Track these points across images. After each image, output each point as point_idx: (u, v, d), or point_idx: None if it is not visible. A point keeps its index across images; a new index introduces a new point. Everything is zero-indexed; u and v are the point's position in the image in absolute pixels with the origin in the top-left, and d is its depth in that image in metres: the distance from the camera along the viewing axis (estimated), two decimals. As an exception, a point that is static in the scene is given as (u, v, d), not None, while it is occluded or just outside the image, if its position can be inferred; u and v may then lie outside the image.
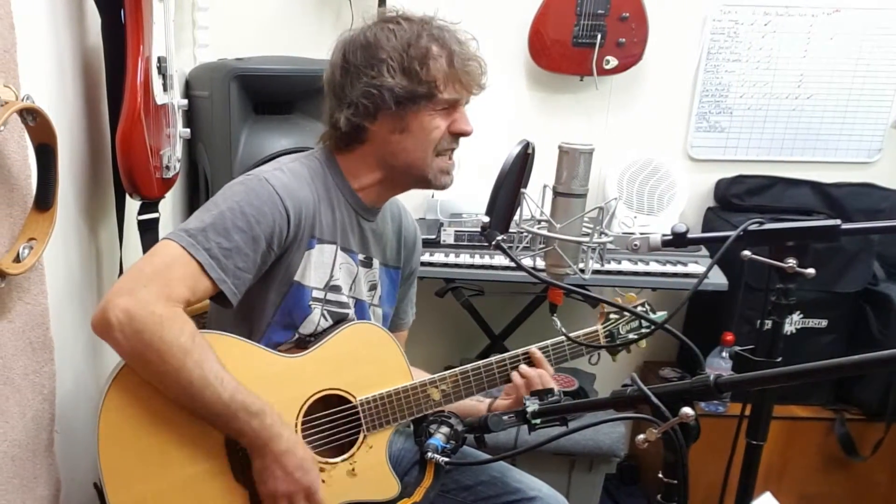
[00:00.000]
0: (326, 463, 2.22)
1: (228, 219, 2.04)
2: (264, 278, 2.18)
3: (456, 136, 2.27)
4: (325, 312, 2.28)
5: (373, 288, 2.45)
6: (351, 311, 2.35)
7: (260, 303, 2.21)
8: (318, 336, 2.27)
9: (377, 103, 2.16)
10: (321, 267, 2.25)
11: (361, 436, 2.24)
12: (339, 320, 2.31)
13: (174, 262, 1.98)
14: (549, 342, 2.38)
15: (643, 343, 2.43)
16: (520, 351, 2.38)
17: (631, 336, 2.42)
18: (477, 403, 2.47)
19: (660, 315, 2.42)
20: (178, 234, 2.02)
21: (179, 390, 1.93)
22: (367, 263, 2.41)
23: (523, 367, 2.34)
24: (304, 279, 2.22)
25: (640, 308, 2.41)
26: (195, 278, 1.99)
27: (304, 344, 2.26)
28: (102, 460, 1.97)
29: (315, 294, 2.25)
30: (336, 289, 2.30)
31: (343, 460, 2.24)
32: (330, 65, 2.27)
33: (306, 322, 2.25)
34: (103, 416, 1.97)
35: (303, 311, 2.24)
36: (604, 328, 2.41)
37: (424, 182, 2.31)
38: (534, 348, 2.37)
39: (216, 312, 2.32)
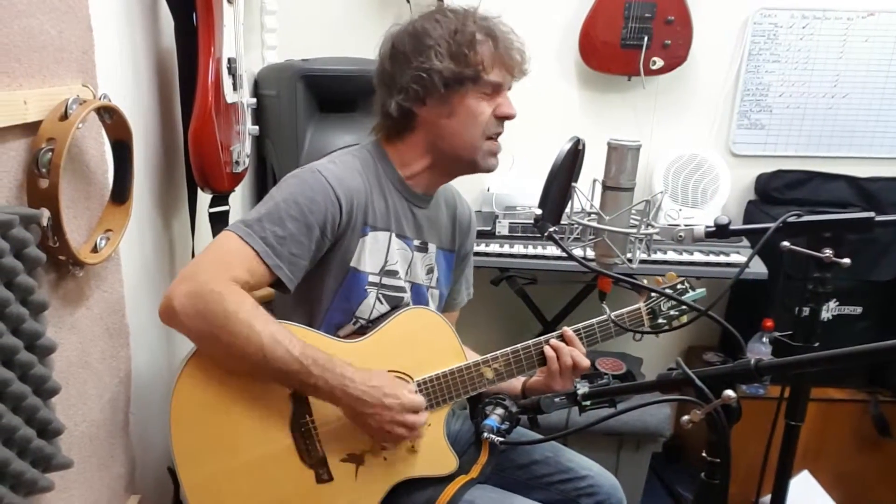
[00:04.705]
0: (388, 440, 2.22)
1: (283, 209, 2.04)
2: (322, 266, 2.18)
3: (501, 119, 2.24)
4: (381, 296, 2.27)
5: (430, 271, 2.44)
6: (407, 295, 2.34)
7: (319, 289, 2.21)
8: (375, 321, 2.26)
9: (426, 87, 2.15)
10: (376, 253, 2.24)
11: (420, 414, 2.24)
12: (395, 304, 2.31)
13: (232, 251, 1.99)
14: (594, 321, 2.35)
15: (683, 318, 2.41)
16: (555, 333, 2.35)
17: (672, 312, 2.40)
18: (513, 381, 2.45)
19: (699, 292, 2.40)
20: (236, 225, 2.03)
21: (253, 356, 1.91)
22: (423, 248, 2.40)
23: (554, 341, 2.32)
24: (359, 265, 2.21)
25: (679, 286, 2.40)
26: (252, 265, 1.99)
27: (364, 329, 2.26)
28: (174, 441, 1.98)
29: (371, 279, 2.24)
30: (392, 273, 2.29)
31: (404, 437, 2.23)
32: (379, 57, 2.27)
33: (362, 306, 2.24)
34: (175, 399, 1.98)
35: (359, 295, 2.23)
36: (646, 306, 2.39)
37: (472, 165, 2.29)
38: (567, 328, 2.34)
39: (279, 300, 2.33)
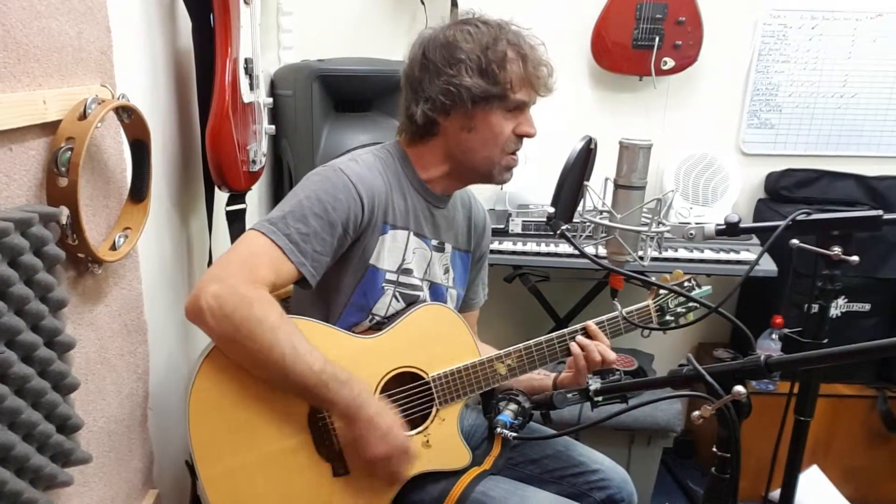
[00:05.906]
0: (403, 435, 2.21)
1: (306, 206, 2.03)
2: (342, 262, 2.17)
3: (520, 137, 2.24)
4: (398, 294, 2.26)
5: (447, 271, 2.43)
6: (423, 294, 2.33)
7: (337, 285, 2.20)
8: (391, 318, 2.25)
9: (454, 100, 2.14)
10: (394, 251, 2.24)
11: (434, 409, 2.23)
12: (411, 302, 2.29)
13: (258, 249, 1.98)
14: (604, 317, 2.36)
15: (690, 316, 2.41)
16: (577, 326, 2.35)
17: (680, 309, 2.40)
18: (544, 378, 2.45)
19: (705, 289, 2.40)
20: (261, 223, 2.02)
21: (272, 366, 1.91)
22: (440, 248, 2.39)
23: (580, 338, 2.31)
24: (378, 262, 2.20)
25: (686, 283, 2.41)
26: (278, 262, 1.98)
27: (379, 326, 2.24)
28: (192, 435, 1.97)
29: (388, 277, 2.23)
30: (408, 272, 2.28)
31: (418, 433, 2.22)
32: (409, 60, 2.25)
33: (378, 304, 2.23)
34: (193, 395, 1.97)
35: (376, 293, 2.22)
36: (654, 303, 2.39)
37: (488, 178, 2.29)
38: (591, 322, 2.35)
39: (298, 295, 2.33)
